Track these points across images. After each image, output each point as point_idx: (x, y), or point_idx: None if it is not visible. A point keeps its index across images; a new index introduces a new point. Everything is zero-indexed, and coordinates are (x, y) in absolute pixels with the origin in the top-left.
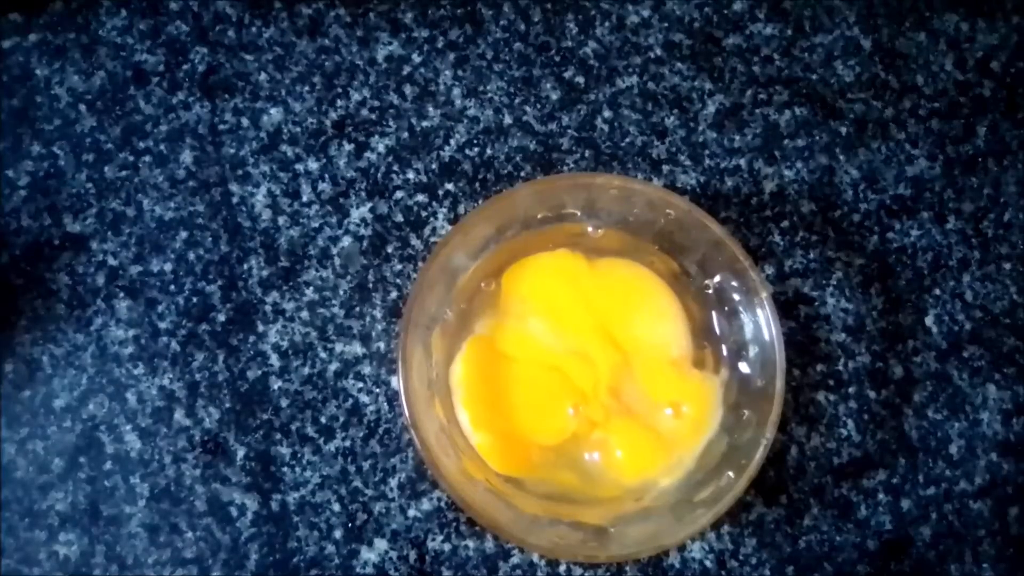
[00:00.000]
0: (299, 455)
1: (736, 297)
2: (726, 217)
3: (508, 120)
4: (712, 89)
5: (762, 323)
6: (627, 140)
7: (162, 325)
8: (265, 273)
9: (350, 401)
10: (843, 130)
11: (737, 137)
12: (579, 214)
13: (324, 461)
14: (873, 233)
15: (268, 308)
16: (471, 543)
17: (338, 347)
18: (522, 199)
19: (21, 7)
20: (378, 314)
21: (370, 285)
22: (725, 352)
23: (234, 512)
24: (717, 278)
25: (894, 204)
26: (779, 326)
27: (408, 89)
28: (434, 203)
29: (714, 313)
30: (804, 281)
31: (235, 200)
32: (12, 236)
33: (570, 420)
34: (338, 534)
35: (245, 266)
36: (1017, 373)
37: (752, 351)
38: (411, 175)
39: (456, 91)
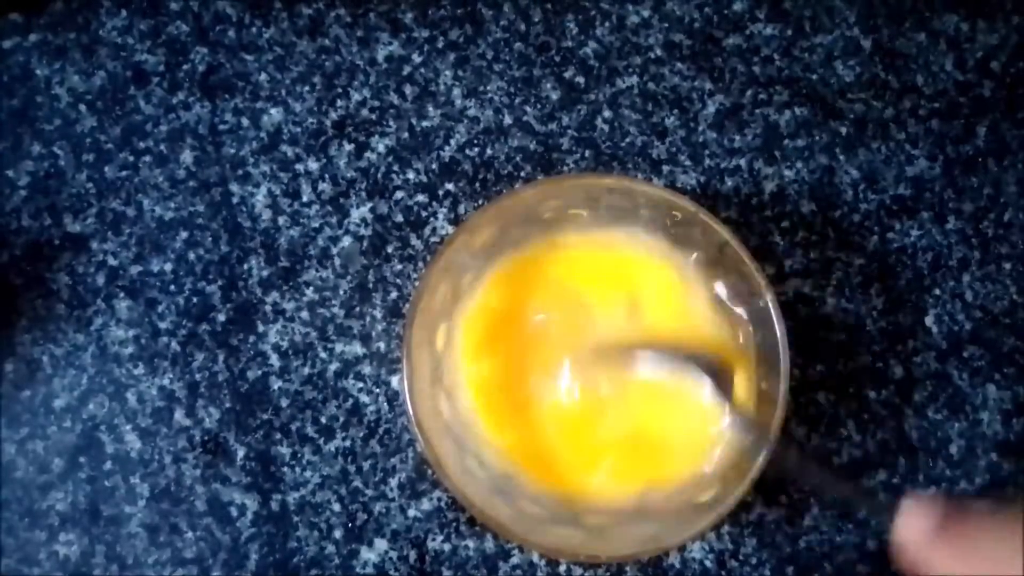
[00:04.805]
0: (299, 455)
1: (740, 299)
2: (726, 217)
3: (508, 120)
4: (712, 89)
5: (766, 326)
6: (627, 140)
7: (162, 325)
8: (265, 273)
9: (350, 401)
10: (843, 130)
11: (737, 137)
12: (584, 215)
13: (324, 461)
14: (873, 233)
15: (268, 308)
16: (471, 543)
17: (338, 347)
18: (527, 199)
19: (21, 7)
20: (378, 314)
21: (370, 285)
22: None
23: (234, 512)
24: (722, 280)
25: (894, 204)
26: (784, 329)
27: (408, 89)
28: (434, 203)
29: (717, 315)
30: (804, 281)
31: (235, 200)
32: (12, 236)
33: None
34: (338, 534)
35: (245, 266)
36: (1017, 373)
37: (757, 354)
38: (411, 175)
39: (456, 91)
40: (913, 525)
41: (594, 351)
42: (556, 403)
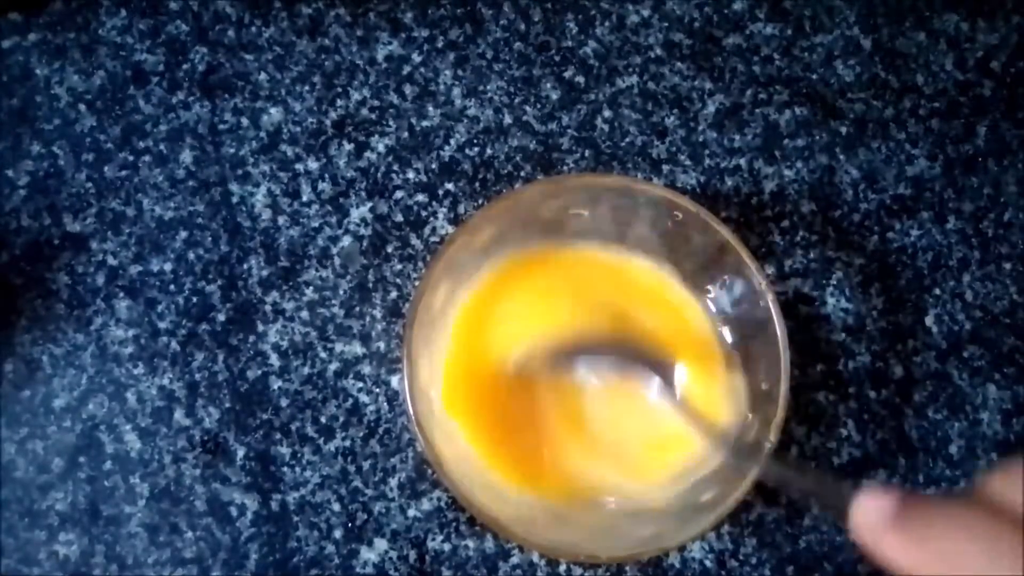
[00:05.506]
0: (299, 455)
1: (741, 300)
2: (726, 217)
3: (508, 120)
4: (712, 89)
5: (767, 326)
6: (627, 140)
7: (162, 325)
8: (265, 273)
9: (350, 401)
10: (843, 130)
11: (737, 137)
12: (585, 214)
13: (324, 461)
14: (873, 233)
15: (268, 308)
16: (471, 543)
17: (338, 347)
18: (528, 199)
19: (21, 7)
20: (378, 314)
21: (370, 285)
22: (730, 355)
23: (234, 512)
24: (723, 280)
25: (894, 204)
26: (785, 330)
27: (408, 89)
28: (434, 203)
29: (719, 316)
30: (804, 281)
31: (235, 200)
32: (12, 236)
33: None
34: (338, 534)
35: (245, 266)
36: (1017, 373)
37: (757, 354)
38: (411, 175)
39: (456, 91)
40: (866, 514)
41: (571, 357)
42: (539, 412)
